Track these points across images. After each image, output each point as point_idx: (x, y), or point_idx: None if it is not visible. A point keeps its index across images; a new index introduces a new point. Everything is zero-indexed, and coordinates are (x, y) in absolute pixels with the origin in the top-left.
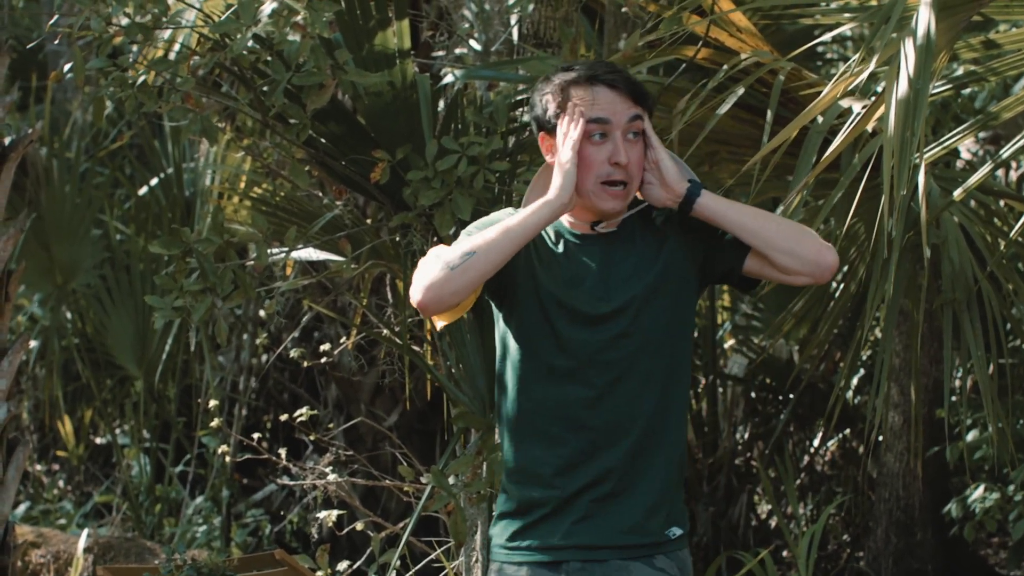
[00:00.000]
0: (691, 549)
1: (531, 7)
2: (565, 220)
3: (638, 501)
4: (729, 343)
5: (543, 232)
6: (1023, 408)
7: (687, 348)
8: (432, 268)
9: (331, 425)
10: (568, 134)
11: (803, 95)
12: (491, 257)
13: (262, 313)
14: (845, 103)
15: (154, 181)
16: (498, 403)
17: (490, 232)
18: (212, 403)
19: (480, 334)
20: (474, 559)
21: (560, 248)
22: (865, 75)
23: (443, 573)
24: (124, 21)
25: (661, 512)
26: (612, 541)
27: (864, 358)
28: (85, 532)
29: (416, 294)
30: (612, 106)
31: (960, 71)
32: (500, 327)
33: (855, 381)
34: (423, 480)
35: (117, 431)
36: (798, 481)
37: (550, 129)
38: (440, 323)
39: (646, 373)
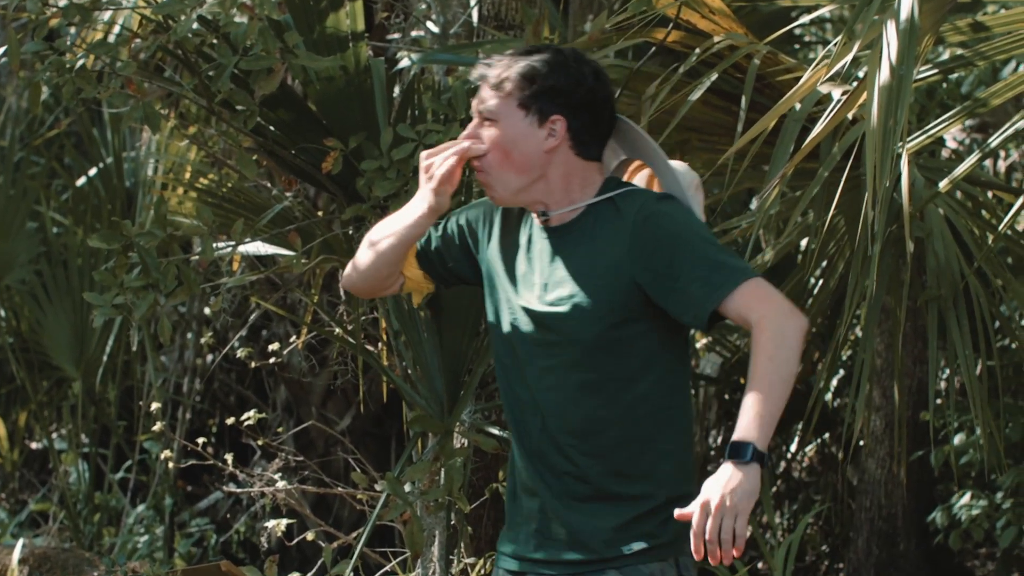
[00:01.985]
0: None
1: None
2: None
3: (580, 517)
4: (702, 341)
5: (520, 218)
6: (1012, 411)
7: (646, 362)
8: (357, 253)
9: (280, 429)
10: None
11: (780, 81)
12: (384, 253)
13: (207, 311)
14: (825, 89)
15: (93, 171)
16: None
17: (383, 226)
18: (154, 406)
19: (438, 333)
20: (431, 570)
21: (523, 238)
22: (846, 60)
23: None
24: (62, 2)
25: (609, 527)
26: (556, 555)
27: (844, 358)
28: (20, 542)
29: (343, 278)
30: (476, 97)
31: (946, 55)
32: None
33: (835, 382)
34: (377, 487)
35: (54, 435)
36: (774, 488)
37: None
38: (415, 299)
39: (579, 384)
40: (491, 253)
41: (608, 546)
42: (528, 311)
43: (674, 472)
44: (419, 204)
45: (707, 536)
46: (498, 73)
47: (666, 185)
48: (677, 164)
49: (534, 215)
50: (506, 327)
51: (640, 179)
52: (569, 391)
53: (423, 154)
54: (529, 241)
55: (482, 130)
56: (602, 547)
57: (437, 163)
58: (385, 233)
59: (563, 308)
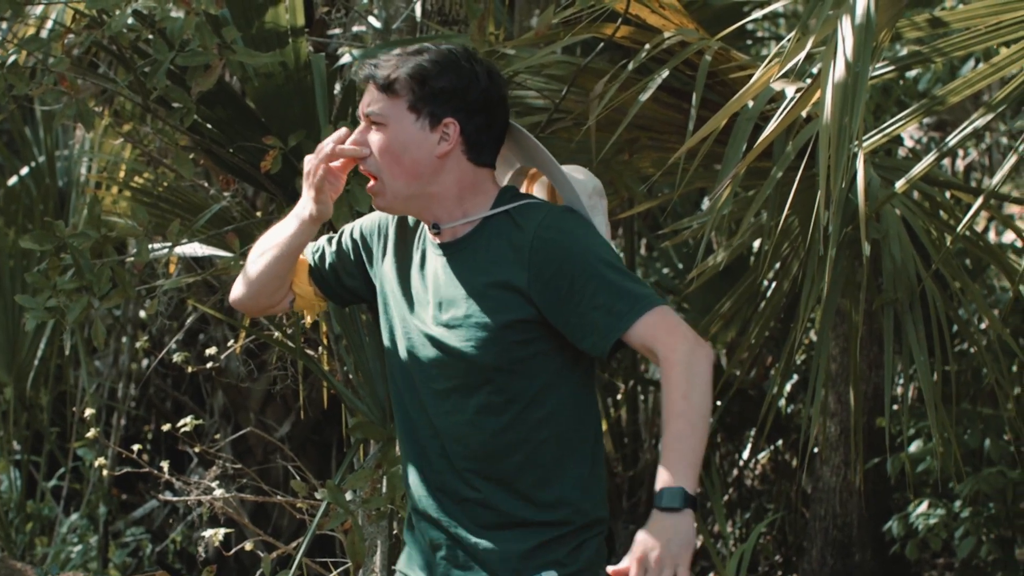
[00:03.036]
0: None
1: None
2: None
3: (486, 544)
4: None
5: (414, 232)
6: (970, 417)
7: (548, 383)
8: (242, 271)
9: (218, 436)
10: None
11: (732, 78)
12: (262, 270)
13: (143, 314)
14: (778, 86)
15: (25, 170)
16: None
17: (261, 241)
18: (88, 412)
19: (380, 336)
20: None
21: (417, 254)
22: (800, 56)
23: None
24: None
25: (516, 553)
26: None
27: (798, 363)
28: None
29: (231, 294)
30: (362, 99)
31: (903, 52)
32: None
33: (788, 388)
34: (318, 496)
35: None
36: (726, 497)
37: None
38: (308, 317)
39: (479, 407)
40: (385, 269)
41: (515, 574)
42: (423, 332)
43: (583, 497)
44: (300, 211)
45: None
46: (386, 74)
47: (564, 195)
48: (576, 170)
49: (428, 229)
50: (400, 348)
51: (540, 189)
52: (469, 414)
53: (306, 158)
54: (423, 257)
55: (370, 134)
56: (509, 575)
57: (313, 166)
58: (268, 245)
59: (459, 329)
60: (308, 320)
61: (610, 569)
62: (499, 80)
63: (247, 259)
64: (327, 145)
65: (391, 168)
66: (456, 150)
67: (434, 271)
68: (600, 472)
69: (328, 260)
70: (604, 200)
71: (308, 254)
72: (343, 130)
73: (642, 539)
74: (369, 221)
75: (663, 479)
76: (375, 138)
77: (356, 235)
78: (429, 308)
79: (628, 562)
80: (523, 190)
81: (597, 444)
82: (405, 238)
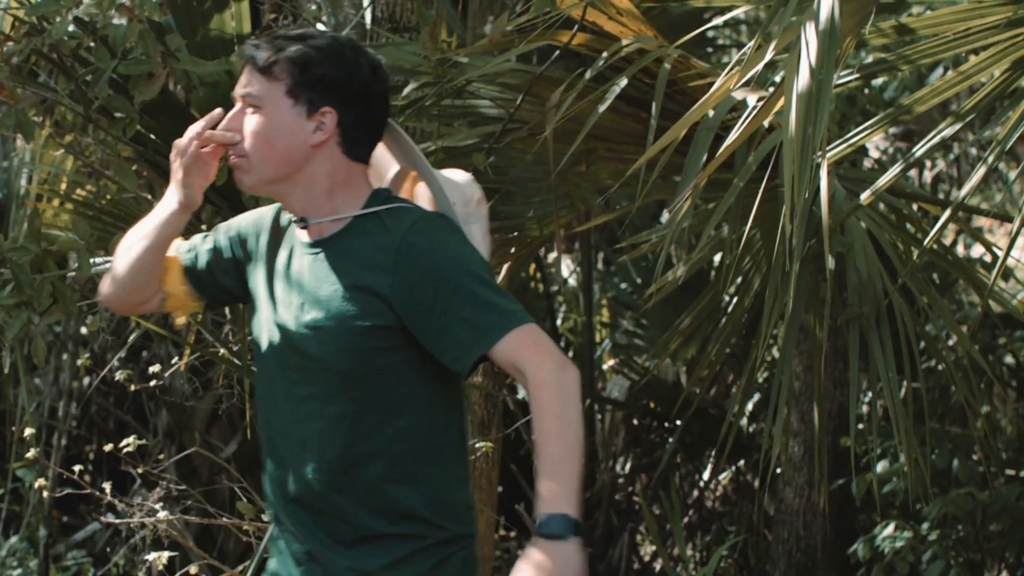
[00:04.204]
0: None
1: None
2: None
3: (344, 561)
4: (609, 363)
5: (285, 231)
6: (938, 436)
7: (407, 394)
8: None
9: (161, 456)
10: None
11: (692, 86)
12: (130, 265)
13: (84, 330)
14: (739, 95)
15: None
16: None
17: (131, 232)
18: (28, 431)
19: None
20: None
21: (284, 252)
22: (761, 64)
23: None
24: None
25: (374, 569)
26: None
27: (760, 380)
28: None
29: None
30: (240, 80)
31: (869, 59)
32: None
33: (750, 406)
34: (265, 518)
35: None
36: (686, 519)
37: None
38: (179, 319)
39: (337, 415)
40: (256, 268)
41: None
42: (285, 333)
43: (444, 512)
44: (169, 200)
45: None
46: (267, 56)
47: (436, 201)
48: (456, 175)
49: (295, 224)
50: (265, 350)
51: (423, 197)
52: (325, 423)
53: (175, 143)
54: (290, 256)
55: (244, 116)
56: None
57: (180, 151)
58: (136, 237)
59: (318, 332)
60: (179, 321)
61: None
62: (383, 75)
63: (115, 254)
64: (197, 126)
65: (261, 151)
66: (331, 141)
67: (299, 270)
68: (464, 487)
69: (203, 259)
70: (484, 207)
71: (181, 253)
72: (217, 111)
73: (520, 570)
74: (247, 219)
75: (546, 504)
76: (249, 120)
77: (232, 233)
78: (292, 309)
79: None
80: (403, 195)
81: (461, 458)
82: (277, 236)
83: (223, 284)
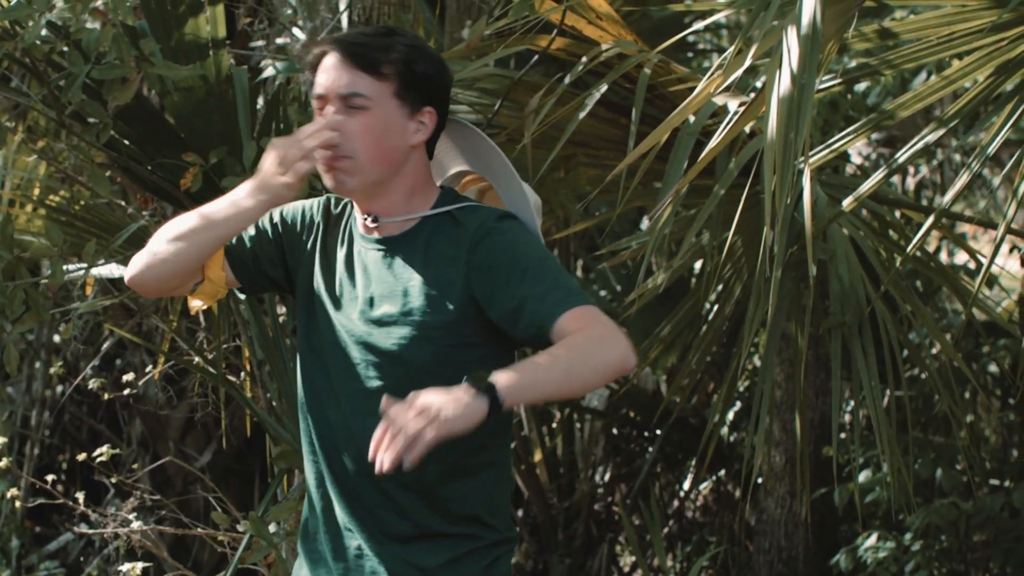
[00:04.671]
0: None
1: None
2: (357, 211)
3: (397, 557)
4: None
5: (340, 224)
6: (921, 446)
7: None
8: (147, 246)
9: (135, 466)
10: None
11: (673, 91)
12: (190, 251)
13: (57, 338)
14: (720, 100)
15: None
16: None
17: (192, 219)
18: (0, 440)
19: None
20: None
21: (344, 246)
22: (742, 68)
23: None
24: None
25: (429, 567)
26: None
27: (741, 389)
28: None
29: (127, 271)
30: (329, 74)
31: (852, 64)
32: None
33: (731, 415)
34: (240, 528)
35: None
36: (666, 529)
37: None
38: (195, 303)
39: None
40: (310, 260)
41: None
42: (349, 328)
43: (497, 514)
44: (257, 195)
45: (392, 425)
46: (375, 55)
47: (511, 201)
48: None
49: (358, 221)
50: (322, 344)
51: (489, 199)
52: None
53: (276, 141)
54: (350, 250)
55: (348, 116)
56: None
57: (297, 155)
58: (198, 224)
59: (392, 326)
60: (194, 307)
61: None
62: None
63: (157, 237)
64: (315, 127)
65: (371, 152)
66: (423, 141)
67: (367, 265)
68: (508, 491)
69: (248, 244)
70: (540, 218)
71: None
72: (321, 121)
73: (417, 394)
74: (293, 208)
75: (495, 375)
76: (356, 121)
77: (278, 220)
78: (357, 304)
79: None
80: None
81: (509, 461)
82: (332, 230)
83: (268, 272)
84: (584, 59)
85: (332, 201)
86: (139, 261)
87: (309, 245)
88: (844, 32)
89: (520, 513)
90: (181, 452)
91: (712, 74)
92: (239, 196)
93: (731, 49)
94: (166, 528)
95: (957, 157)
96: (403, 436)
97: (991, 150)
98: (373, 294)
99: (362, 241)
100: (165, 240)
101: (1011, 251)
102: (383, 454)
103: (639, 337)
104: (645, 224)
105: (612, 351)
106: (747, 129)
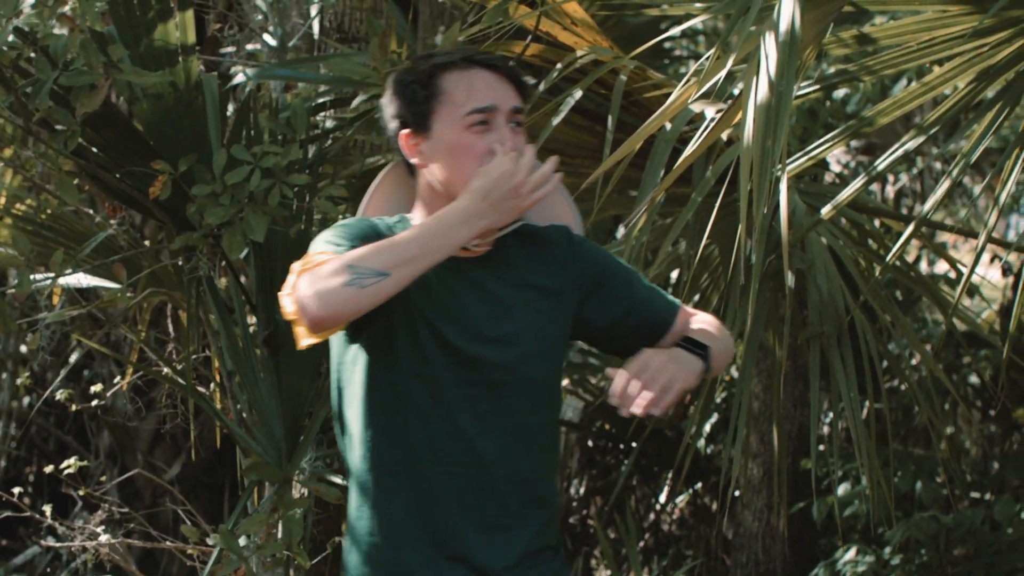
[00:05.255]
0: None
1: None
2: None
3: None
4: (563, 383)
5: None
6: (901, 458)
7: (560, 398)
8: (334, 280)
9: (104, 478)
10: (455, 129)
11: (649, 98)
12: (402, 281)
13: (24, 349)
14: (697, 107)
15: None
16: None
17: (404, 248)
18: None
19: (276, 373)
20: None
21: (439, 268)
22: (720, 75)
23: None
24: None
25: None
26: None
27: (718, 401)
28: None
29: (311, 306)
30: (494, 91)
31: (830, 70)
32: (350, 357)
33: (708, 427)
34: (209, 541)
35: None
36: (642, 543)
37: (418, 125)
38: (308, 341)
39: (531, 428)
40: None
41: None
42: (461, 349)
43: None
44: (476, 221)
45: (643, 373)
46: (522, 77)
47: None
48: None
49: None
50: (432, 369)
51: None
52: (519, 435)
53: (517, 166)
54: (447, 272)
55: (515, 134)
56: None
57: (537, 182)
58: (416, 252)
59: (514, 345)
60: (306, 345)
61: (609, 370)
62: None
63: (350, 268)
64: (536, 172)
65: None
66: None
67: (468, 287)
68: None
69: None
70: None
71: (327, 254)
72: (530, 153)
73: (649, 352)
74: (355, 228)
75: (696, 334)
76: (520, 139)
77: (356, 243)
78: (472, 324)
79: (619, 374)
80: None
81: None
82: None
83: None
84: (559, 65)
85: (383, 224)
86: (335, 297)
87: None
88: (822, 38)
89: None
90: (150, 464)
91: (689, 80)
92: (453, 225)
93: (708, 55)
94: (134, 541)
95: (937, 165)
96: (657, 385)
97: (972, 158)
98: (487, 314)
99: (457, 262)
100: (371, 270)
101: (992, 261)
102: (637, 401)
103: None
104: (621, 233)
105: (731, 338)
106: (724, 136)
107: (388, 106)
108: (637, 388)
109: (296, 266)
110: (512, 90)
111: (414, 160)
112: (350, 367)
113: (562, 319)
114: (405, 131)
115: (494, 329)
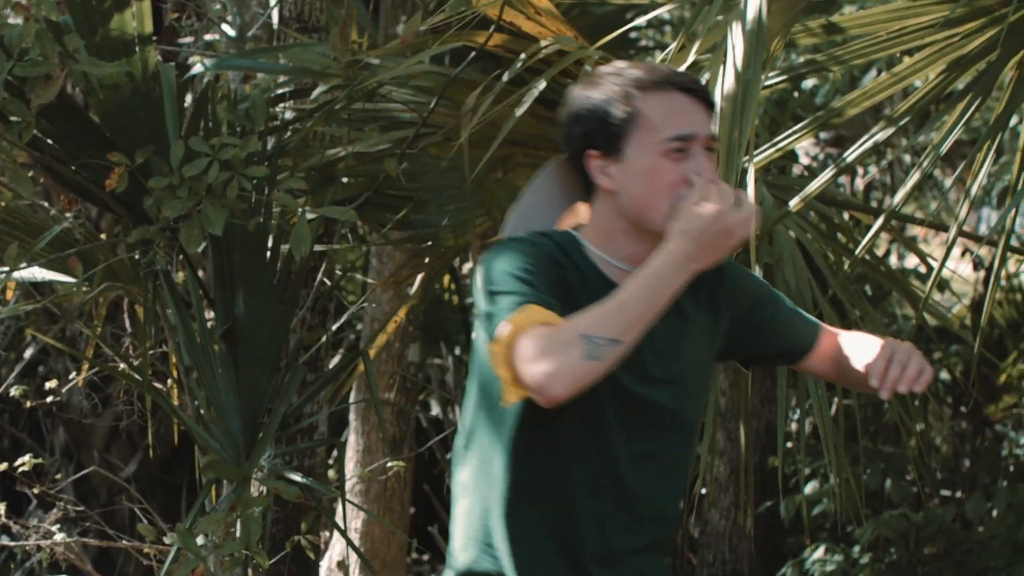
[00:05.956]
0: None
1: None
2: (600, 261)
3: None
4: None
5: (580, 269)
6: (871, 456)
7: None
8: (570, 354)
9: (59, 476)
10: (651, 155)
11: None
12: (632, 345)
13: None
14: None
15: None
16: None
17: (633, 309)
18: None
19: (235, 369)
20: None
21: (593, 296)
22: (686, 65)
23: None
24: None
25: None
26: None
27: None
28: None
29: (552, 386)
30: (692, 117)
31: (799, 61)
32: None
33: None
34: (166, 540)
35: None
36: None
37: (610, 147)
38: (515, 398)
39: (677, 465)
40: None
41: None
42: (633, 389)
43: None
44: (689, 265)
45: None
46: (712, 100)
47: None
48: None
49: (599, 269)
50: (599, 406)
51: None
52: (668, 474)
53: (726, 204)
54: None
55: (708, 160)
56: None
57: (745, 219)
58: (644, 311)
59: (678, 384)
60: (514, 397)
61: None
62: None
63: (584, 339)
64: (743, 207)
65: None
66: None
67: None
68: None
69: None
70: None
71: (544, 312)
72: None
73: (887, 341)
74: (540, 257)
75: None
76: (712, 166)
77: (548, 278)
78: (640, 365)
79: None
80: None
81: None
82: (581, 283)
83: None
84: (523, 56)
85: (553, 246)
86: (575, 374)
87: (570, 303)
88: (790, 27)
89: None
90: (106, 462)
91: None
92: (666, 272)
93: (674, 45)
94: (90, 540)
95: (907, 157)
96: (914, 365)
97: (943, 150)
98: (655, 354)
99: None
100: (606, 340)
101: (963, 254)
102: (902, 380)
103: None
104: None
105: None
106: None
107: (574, 123)
108: (898, 370)
109: (505, 321)
110: (707, 116)
111: (601, 182)
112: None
113: (714, 351)
114: (593, 152)
115: (662, 371)
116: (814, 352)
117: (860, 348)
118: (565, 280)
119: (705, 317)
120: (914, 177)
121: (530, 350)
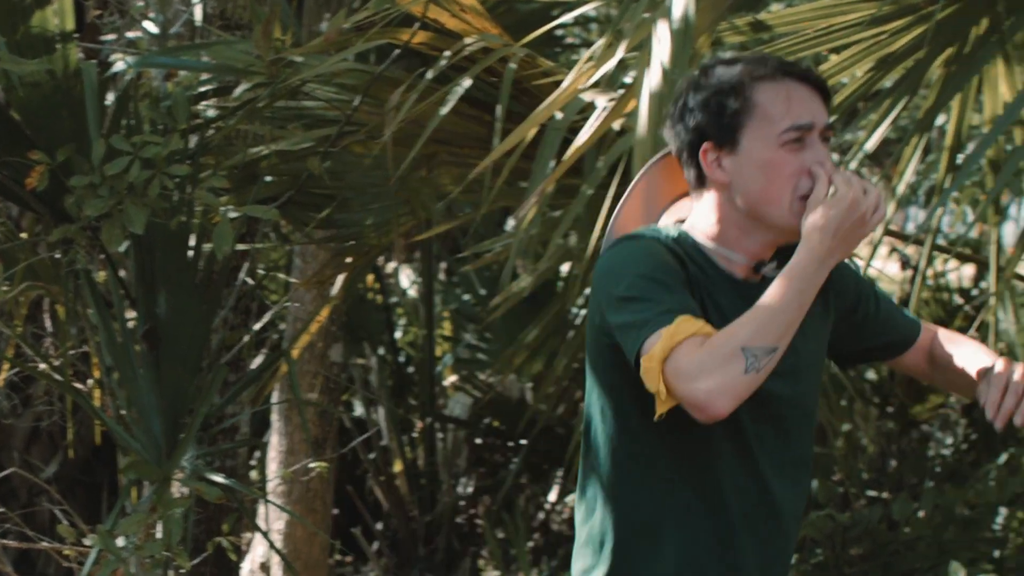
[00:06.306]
0: None
1: None
2: (716, 255)
3: None
4: (450, 379)
5: (699, 265)
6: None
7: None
8: (733, 368)
9: None
10: (769, 146)
11: (539, 86)
12: (784, 350)
13: None
14: (588, 96)
15: None
16: None
17: (784, 313)
18: None
19: (156, 369)
20: None
21: (723, 297)
22: (612, 63)
23: None
24: None
25: None
26: None
27: None
28: None
29: (717, 403)
30: (810, 106)
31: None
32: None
33: None
34: (87, 542)
35: None
36: (531, 543)
37: (724, 139)
38: (665, 408)
39: (806, 466)
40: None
41: None
42: (777, 394)
43: None
44: (828, 262)
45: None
46: (828, 88)
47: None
48: None
49: (718, 267)
50: (740, 415)
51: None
52: (798, 471)
53: (860, 193)
54: (744, 301)
55: (824, 149)
56: None
57: (876, 204)
58: (793, 316)
59: (808, 384)
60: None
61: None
62: None
63: (744, 350)
64: (871, 193)
65: None
66: None
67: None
68: None
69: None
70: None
71: (695, 322)
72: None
73: (1003, 364)
74: (667, 256)
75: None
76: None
77: (682, 282)
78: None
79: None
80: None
81: None
82: (697, 279)
83: None
84: (447, 53)
85: (669, 240)
86: (739, 389)
87: (701, 306)
88: (717, 25)
89: (380, 526)
90: (26, 462)
91: (580, 69)
92: (810, 270)
93: (600, 43)
94: (10, 542)
95: (835, 156)
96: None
97: (869, 148)
98: (793, 352)
99: (746, 289)
100: (764, 350)
101: (890, 253)
102: (1018, 414)
103: (504, 343)
104: (510, 225)
105: None
106: (616, 126)
107: (685, 115)
108: (1014, 400)
109: (656, 335)
110: (823, 105)
111: (715, 176)
112: (632, 396)
113: (825, 344)
114: (706, 144)
115: (782, 362)
116: (916, 346)
117: (961, 351)
118: (690, 277)
119: (818, 308)
120: None
121: (690, 367)
